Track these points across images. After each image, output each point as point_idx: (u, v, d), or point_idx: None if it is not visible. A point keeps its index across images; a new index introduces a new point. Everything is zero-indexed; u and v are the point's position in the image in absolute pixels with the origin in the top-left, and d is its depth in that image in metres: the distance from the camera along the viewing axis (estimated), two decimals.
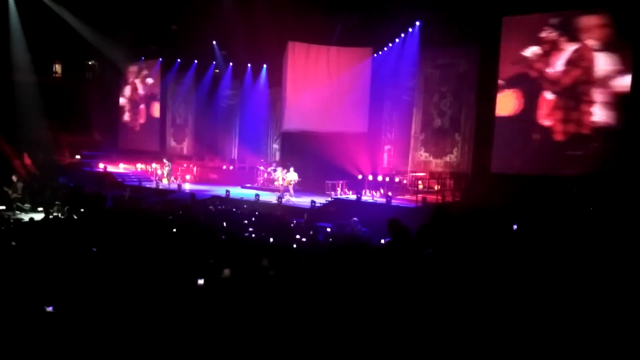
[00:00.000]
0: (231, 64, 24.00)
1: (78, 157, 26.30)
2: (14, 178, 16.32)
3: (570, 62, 14.66)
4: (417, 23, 17.73)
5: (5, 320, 4.06)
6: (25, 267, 5.96)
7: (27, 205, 15.86)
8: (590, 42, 14.28)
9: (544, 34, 15.01)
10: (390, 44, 19.15)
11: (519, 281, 4.95)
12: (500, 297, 4.35)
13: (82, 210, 13.11)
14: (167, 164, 22.28)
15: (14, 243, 8.09)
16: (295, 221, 13.36)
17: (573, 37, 14.56)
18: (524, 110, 15.52)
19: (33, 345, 3.71)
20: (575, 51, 14.56)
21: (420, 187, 17.23)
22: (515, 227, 11.32)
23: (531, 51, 15.28)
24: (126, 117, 28.46)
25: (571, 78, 14.66)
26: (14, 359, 3.58)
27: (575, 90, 14.59)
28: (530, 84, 15.36)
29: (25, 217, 12.98)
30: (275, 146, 24.14)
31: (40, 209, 15.05)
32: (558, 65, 14.86)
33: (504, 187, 15.18)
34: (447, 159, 17.55)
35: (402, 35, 18.43)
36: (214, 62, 24.29)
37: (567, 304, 4.22)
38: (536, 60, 15.22)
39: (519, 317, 3.92)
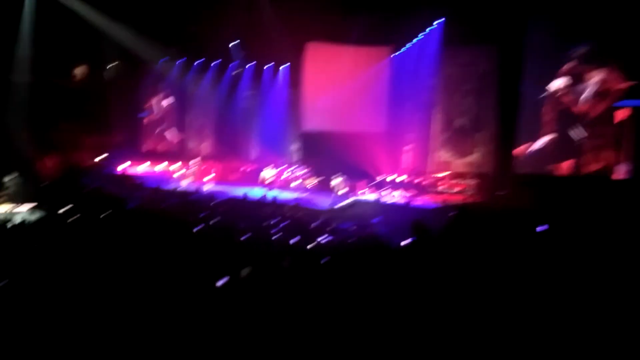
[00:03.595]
0: (251, 64, 24.04)
1: (100, 158, 26.61)
2: (11, 176, 16.51)
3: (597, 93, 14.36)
4: (439, 21, 17.49)
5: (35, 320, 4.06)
6: (49, 268, 5.97)
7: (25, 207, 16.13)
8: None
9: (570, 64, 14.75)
10: (410, 43, 18.94)
11: (544, 285, 4.79)
12: (525, 301, 4.21)
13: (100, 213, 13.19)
14: (193, 165, 22.46)
15: (37, 244, 8.16)
16: (315, 222, 13.25)
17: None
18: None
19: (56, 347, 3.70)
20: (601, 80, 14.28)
21: (442, 188, 16.98)
22: (541, 229, 11.05)
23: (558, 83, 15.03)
24: (147, 118, 28.72)
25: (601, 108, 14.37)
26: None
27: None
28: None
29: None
30: (295, 146, 24.10)
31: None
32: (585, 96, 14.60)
33: (528, 188, 14.88)
34: (469, 159, 17.25)
35: (423, 33, 18.21)
36: (234, 63, 24.36)
37: (595, 310, 4.06)
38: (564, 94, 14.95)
39: (544, 321, 3.79)
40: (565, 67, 14.78)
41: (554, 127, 15.14)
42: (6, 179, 16.34)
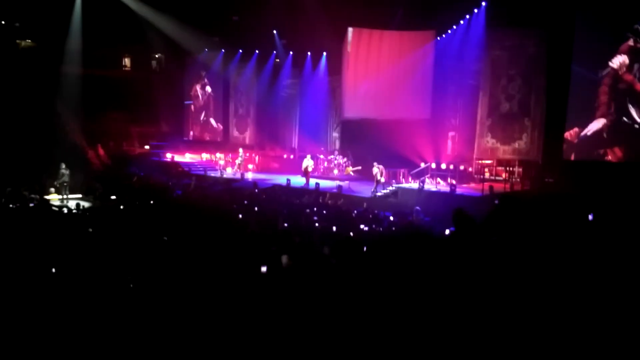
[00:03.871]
0: (291, 52, 24.07)
1: (147, 147, 27.43)
2: (62, 166, 17.17)
3: None
4: (483, 3, 16.95)
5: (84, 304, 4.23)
6: (102, 253, 6.21)
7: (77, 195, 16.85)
8: None
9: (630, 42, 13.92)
10: (454, 26, 18.42)
11: (594, 276, 4.60)
12: (573, 292, 4.06)
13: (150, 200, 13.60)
14: (241, 155, 22.82)
15: (90, 230, 8.51)
16: (356, 210, 13.24)
17: None
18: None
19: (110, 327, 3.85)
20: None
21: (487, 175, 16.57)
22: (591, 217, 10.62)
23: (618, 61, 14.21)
24: (192, 108, 29.34)
25: None
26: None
27: None
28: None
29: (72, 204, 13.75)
30: (335, 134, 24.05)
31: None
32: None
33: (578, 175, 14.32)
34: (516, 145, 16.72)
35: (467, 16, 17.68)
36: (275, 52, 24.47)
37: None
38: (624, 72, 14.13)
39: (591, 313, 3.64)
40: (626, 44, 14.02)
41: (611, 109, 14.45)
42: (61, 168, 17.06)
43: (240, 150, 23.23)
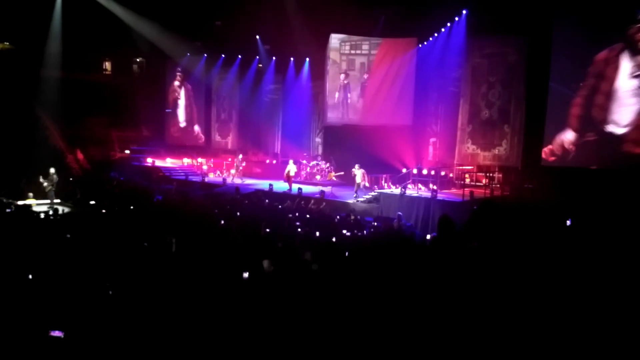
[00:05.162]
0: (274, 58, 24.08)
1: (127, 151, 27.12)
2: (51, 170, 16.90)
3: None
4: (464, 12, 17.19)
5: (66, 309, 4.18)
6: (80, 259, 6.12)
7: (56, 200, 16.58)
8: None
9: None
10: (435, 34, 18.65)
11: (572, 279, 4.69)
12: (552, 296, 4.13)
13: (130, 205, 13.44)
14: (237, 160, 22.52)
15: (68, 235, 8.38)
16: (338, 216, 13.26)
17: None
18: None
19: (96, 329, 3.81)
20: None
21: (467, 180, 16.75)
22: (569, 222, 10.82)
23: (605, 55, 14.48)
24: (173, 113, 29.08)
25: None
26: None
27: None
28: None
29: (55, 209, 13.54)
30: (318, 140, 24.10)
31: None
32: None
33: (556, 181, 14.56)
34: (496, 151, 16.95)
35: (448, 24, 17.90)
36: (257, 57, 24.44)
37: (622, 304, 3.95)
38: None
39: (570, 316, 3.71)
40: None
41: (583, 124, 14.85)
42: (51, 172, 16.79)
43: (240, 156, 22.94)
